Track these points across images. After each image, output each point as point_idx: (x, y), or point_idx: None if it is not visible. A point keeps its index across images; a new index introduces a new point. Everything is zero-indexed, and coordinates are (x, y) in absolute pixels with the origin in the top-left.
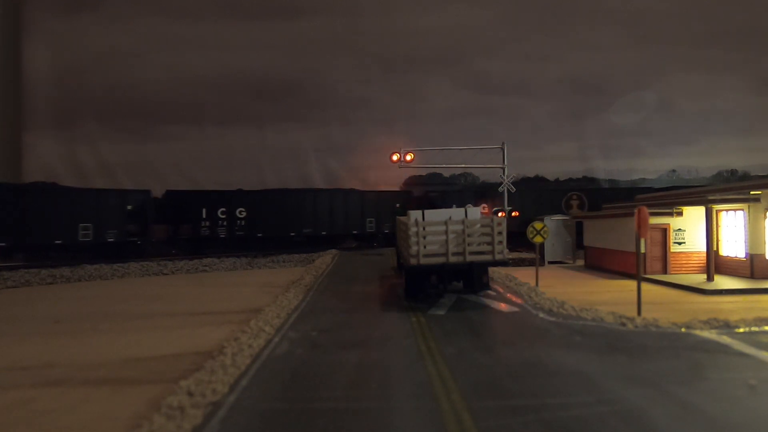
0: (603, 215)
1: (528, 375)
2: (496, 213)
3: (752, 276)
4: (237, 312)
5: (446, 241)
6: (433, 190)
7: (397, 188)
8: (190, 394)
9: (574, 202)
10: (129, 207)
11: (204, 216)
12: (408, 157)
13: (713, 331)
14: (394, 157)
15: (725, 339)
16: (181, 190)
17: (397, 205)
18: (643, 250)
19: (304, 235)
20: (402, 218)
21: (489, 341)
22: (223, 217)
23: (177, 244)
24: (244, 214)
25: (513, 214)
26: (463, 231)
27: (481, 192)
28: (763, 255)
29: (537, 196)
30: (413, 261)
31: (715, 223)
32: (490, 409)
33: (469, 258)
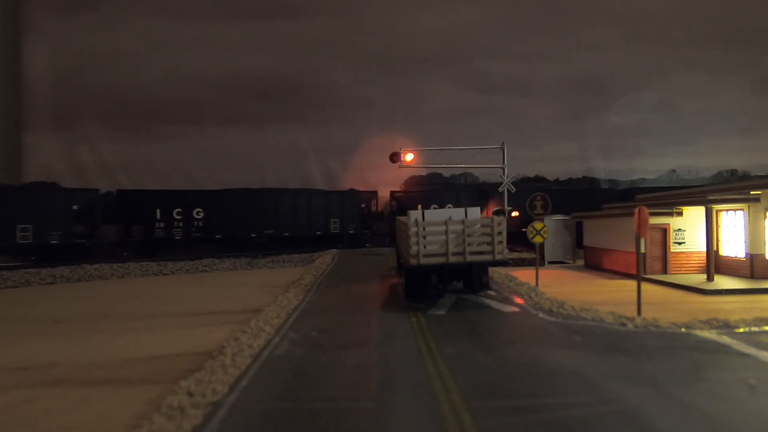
0: (603, 215)
1: (528, 375)
2: (497, 213)
3: (752, 276)
4: (237, 312)
5: (446, 241)
6: (418, 190)
7: (369, 188)
8: (190, 394)
9: (538, 203)
10: (75, 207)
11: (158, 217)
12: (408, 157)
13: (713, 331)
14: (394, 157)
15: (725, 339)
16: (133, 190)
17: (393, 203)
18: (643, 250)
19: (266, 236)
20: (402, 218)
21: (489, 341)
22: (179, 217)
23: (129, 246)
24: (202, 214)
25: (513, 214)
26: (463, 231)
27: (481, 192)
28: (763, 255)
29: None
30: (413, 261)
31: (715, 223)
32: (490, 409)
33: (469, 258)
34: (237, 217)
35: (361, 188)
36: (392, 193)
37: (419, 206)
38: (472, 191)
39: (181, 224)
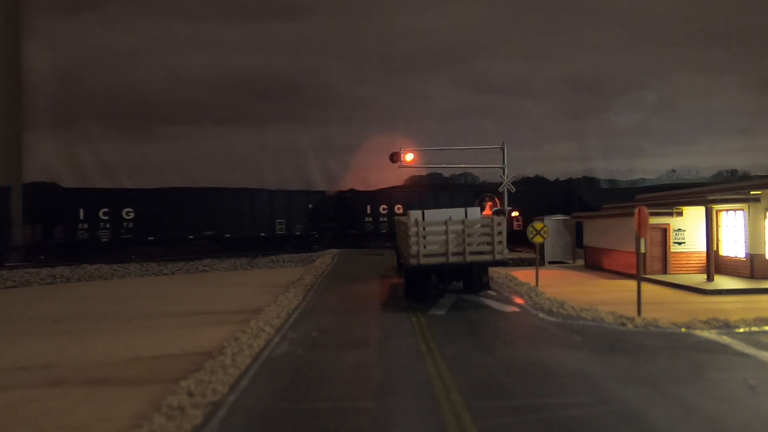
0: (603, 215)
1: (528, 375)
2: (497, 213)
3: (752, 276)
4: (237, 312)
5: (446, 241)
6: (372, 189)
7: (319, 188)
8: (190, 394)
9: (488, 203)
10: None
11: (81, 217)
12: (408, 157)
13: (713, 331)
14: (394, 157)
15: (725, 339)
16: (54, 188)
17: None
18: (643, 250)
19: (205, 238)
20: (402, 218)
21: (489, 341)
22: (106, 218)
23: (48, 249)
24: (132, 215)
25: (513, 214)
26: (463, 231)
27: (479, 192)
28: (763, 255)
29: (537, 196)
30: (413, 261)
31: (715, 223)
32: (490, 409)
33: (469, 258)
34: (172, 217)
35: (307, 188)
36: (340, 193)
37: (369, 207)
38: (454, 192)
39: (108, 225)
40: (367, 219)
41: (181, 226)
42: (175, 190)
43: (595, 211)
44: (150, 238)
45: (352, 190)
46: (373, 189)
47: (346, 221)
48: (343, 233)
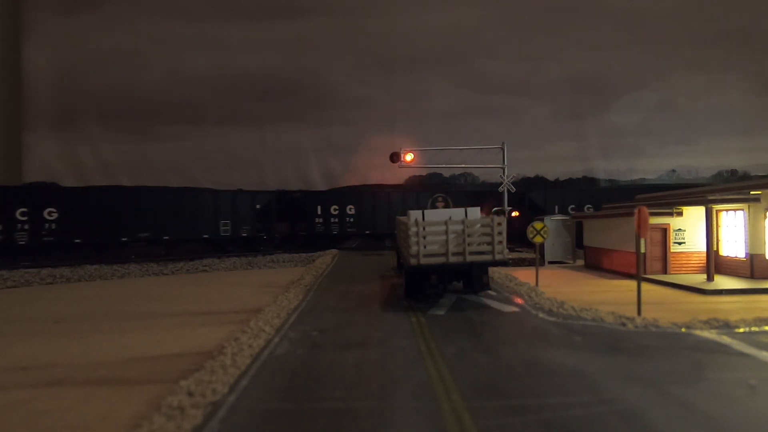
0: (603, 215)
1: (528, 375)
2: (497, 213)
3: (752, 276)
4: (237, 312)
5: (446, 241)
6: (321, 190)
7: (271, 188)
8: (190, 394)
9: (440, 204)
10: None
11: None
12: (408, 157)
13: (713, 331)
14: (394, 157)
15: (725, 339)
16: None
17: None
18: (643, 250)
19: (141, 240)
20: (402, 218)
21: (489, 341)
22: (24, 218)
23: None
24: (56, 215)
25: (513, 214)
26: (463, 231)
27: (476, 193)
28: (763, 255)
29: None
30: (413, 261)
31: (715, 223)
32: (490, 409)
33: (469, 258)
34: (103, 218)
35: (256, 188)
36: (290, 193)
37: (319, 207)
38: (409, 192)
39: (26, 226)
40: (317, 220)
41: (113, 227)
42: (105, 188)
43: (542, 211)
44: (76, 241)
45: (301, 190)
46: (324, 189)
47: (296, 222)
48: (292, 235)
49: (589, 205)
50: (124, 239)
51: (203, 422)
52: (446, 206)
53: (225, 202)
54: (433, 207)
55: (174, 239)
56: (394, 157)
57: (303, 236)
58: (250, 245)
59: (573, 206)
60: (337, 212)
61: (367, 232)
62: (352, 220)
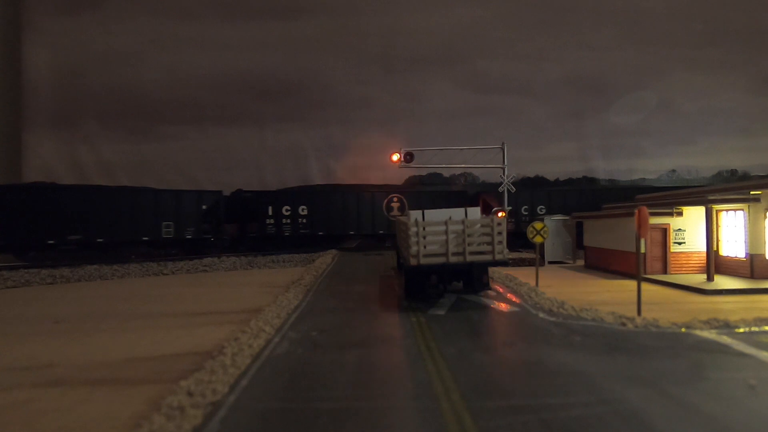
0: (603, 215)
1: (528, 375)
2: (495, 213)
3: (752, 276)
4: (237, 312)
5: (446, 241)
6: (297, 188)
7: (214, 188)
8: (190, 394)
9: (395, 205)
10: None
11: None
12: (408, 157)
13: (713, 331)
14: (394, 157)
15: (725, 339)
16: None
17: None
18: (643, 250)
19: (71, 243)
20: (402, 218)
21: (489, 341)
22: None
23: None
24: None
25: (499, 214)
26: (463, 231)
27: (445, 194)
28: (763, 255)
29: (549, 196)
30: (413, 261)
31: (715, 223)
32: (490, 409)
33: (469, 258)
34: (27, 219)
35: (203, 188)
36: (239, 192)
37: (269, 208)
38: (364, 192)
39: None
40: (268, 221)
41: (39, 229)
42: (28, 186)
43: (510, 214)
44: None
45: (252, 190)
46: (275, 189)
47: (246, 223)
48: (242, 236)
49: (541, 206)
50: (50, 242)
51: (203, 422)
52: (401, 207)
53: (167, 203)
54: (389, 208)
55: (109, 242)
56: (394, 157)
57: (253, 238)
58: (196, 248)
59: (542, 206)
60: (289, 213)
61: (321, 233)
62: (304, 220)
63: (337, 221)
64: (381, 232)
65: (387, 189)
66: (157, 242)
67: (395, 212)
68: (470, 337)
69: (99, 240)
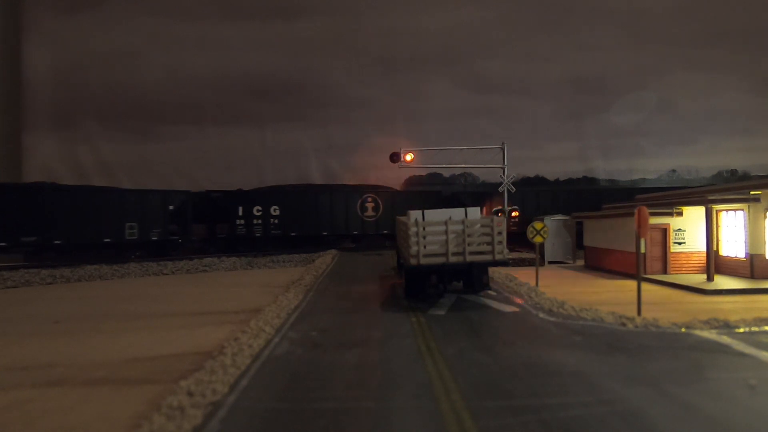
0: (603, 215)
1: (528, 375)
2: (496, 213)
3: (752, 276)
4: (237, 312)
5: (446, 241)
6: (268, 188)
7: (184, 188)
8: (190, 394)
9: (370, 205)
10: None
11: None
12: (408, 157)
13: (713, 331)
14: (394, 157)
15: (725, 339)
16: None
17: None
18: (643, 250)
19: (26, 245)
20: (402, 218)
21: (489, 341)
22: None
23: None
24: None
25: (513, 214)
26: (463, 231)
27: (420, 194)
28: (763, 255)
29: (537, 196)
30: (413, 261)
31: (715, 223)
32: (490, 409)
33: (469, 258)
34: None
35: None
36: (208, 192)
37: (240, 208)
38: (336, 192)
39: None
40: (239, 221)
41: None
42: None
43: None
44: None
45: (221, 190)
46: (246, 189)
47: (215, 224)
48: (212, 238)
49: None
50: (2, 244)
51: (203, 422)
52: (375, 207)
53: (131, 203)
54: (363, 207)
55: (67, 244)
56: (394, 157)
57: (223, 239)
58: (162, 249)
59: (515, 207)
60: (260, 213)
61: (293, 233)
62: (276, 221)
63: (310, 222)
64: (355, 232)
65: (361, 189)
66: (121, 244)
67: (369, 212)
68: (470, 337)
69: (56, 242)
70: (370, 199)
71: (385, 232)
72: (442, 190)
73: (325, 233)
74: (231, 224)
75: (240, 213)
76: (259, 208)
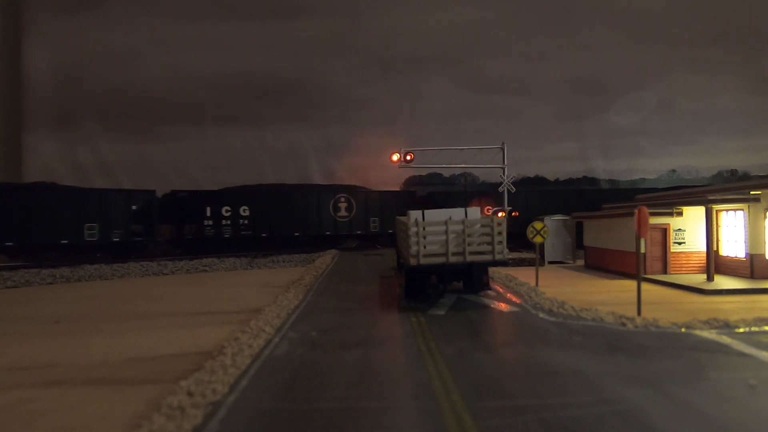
0: (603, 215)
1: (528, 375)
2: (496, 213)
3: (752, 276)
4: (237, 312)
5: (446, 241)
6: (238, 187)
7: (143, 187)
8: (190, 394)
9: (342, 205)
10: None
11: None
12: (408, 157)
13: (713, 331)
14: (394, 157)
15: (725, 339)
16: None
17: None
18: (643, 250)
19: None
20: (402, 218)
21: (489, 341)
22: None
23: None
24: None
25: (513, 214)
26: (463, 231)
27: (391, 194)
28: (763, 255)
29: (537, 196)
30: (413, 261)
31: (715, 223)
32: (490, 409)
33: (469, 258)
34: None
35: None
36: (174, 192)
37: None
38: (310, 192)
39: None
40: (206, 222)
41: None
42: None
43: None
44: None
45: (188, 190)
46: (215, 189)
47: (182, 225)
48: (179, 239)
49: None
50: None
51: (203, 422)
52: (348, 207)
53: (91, 203)
54: (336, 208)
55: (20, 245)
56: (394, 157)
57: (190, 240)
58: (125, 251)
59: (501, 208)
60: (229, 213)
61: (264, 234)
62: (246, 221)
63: (281, 222)
64: (328, 233)
65: (334, 189)
66: (80, 245)
67: (343, 213)
68: (470, 337)
69: (8, 243)
70: (343, 200)
71: (359, 232)
72: (417, 190)
73: (297, 234)
74: (198, 225)
75: (208, 213)
76: (228, 208)
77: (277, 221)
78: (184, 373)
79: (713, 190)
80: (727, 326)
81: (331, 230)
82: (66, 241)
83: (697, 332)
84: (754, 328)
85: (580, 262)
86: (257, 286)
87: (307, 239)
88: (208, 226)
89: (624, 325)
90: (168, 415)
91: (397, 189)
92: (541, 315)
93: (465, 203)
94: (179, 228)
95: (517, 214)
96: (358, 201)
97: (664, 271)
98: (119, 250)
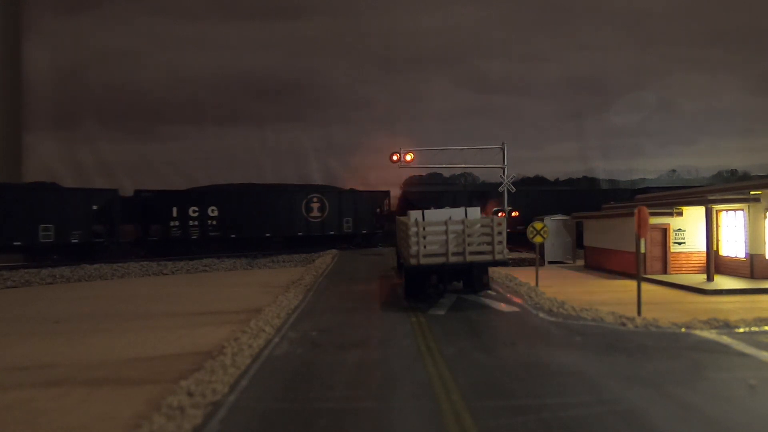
0: (603, 215)
1: (528, 375)
2: (496, 213)
3: (752, 276)
4: (237, 312)
5: (446, 241)
6: (205, 187)
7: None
8: (190, 394)
9: (315, 206)
10: None
11: None
12: (408, 157)
13: (713, 331)
14: (394, 157)
15: (725, 339)
16: None
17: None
18: (643, 250)
19: None
20: (402, 218)
21: (489, 341)
22: None
23: None
24: None
25: (513, 214)
26: (463, 231)
27: (370, 194)
28: (763, 255)
29: (537, 196)
30: (413, 261)
31: (715, 223)
32: (490, 409)
33: (469, 258)
34: None
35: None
36: (138, 192)
37: (192, 209)
38: (283, 192)
39: None
40: (173, 223)
41: None
42: None
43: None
44: None
45: (153, 190)
46: (182, 189)
47: (146, 226)
48: (144, 240)
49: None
50: None
51: (203, 422)
52: (321, 207)
53: (46, 203)
54: (308, 208)
55: None
56: (394, 157)
57: (155, 242)
58: (85, 253)
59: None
60: (196, 214)
61: (233, 235)
62: (215, 222)
63: (251, 223)
64: (300, 234)
65: (306, 189)
66: (34, 247)
67: (315, 213)
68: (470, 337)
69: None
70: (315, 200)
71: (332, 233)
72: (390, 190)
73: (268, 235)
74: (164, 226)
75: (174, 214)
76: (195, 208)
77: (247, 222)
78: (184, 373)
79: (713, 190)
80: (727, 326)
81: (304, 231)
82: (19, 243)
83: (697, 332)
84: (754, 328)
85: (580, 262)
86: (257, 286)
87: (279, 240)
88: (174, 227)
89: (624, 325)
90: (168, 415)
91: (372, 190)
92: (541, 315)
93: (454, 203)
94: (144, 229)
95: (518, 214)
96: (331, 201)
97: (664, 271)
98: (78, 252)
